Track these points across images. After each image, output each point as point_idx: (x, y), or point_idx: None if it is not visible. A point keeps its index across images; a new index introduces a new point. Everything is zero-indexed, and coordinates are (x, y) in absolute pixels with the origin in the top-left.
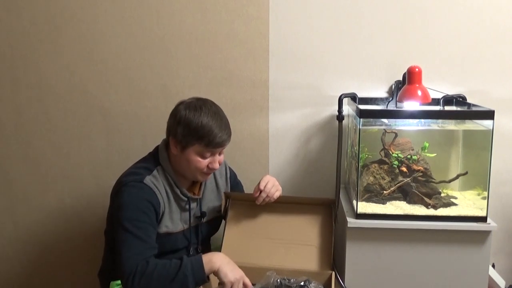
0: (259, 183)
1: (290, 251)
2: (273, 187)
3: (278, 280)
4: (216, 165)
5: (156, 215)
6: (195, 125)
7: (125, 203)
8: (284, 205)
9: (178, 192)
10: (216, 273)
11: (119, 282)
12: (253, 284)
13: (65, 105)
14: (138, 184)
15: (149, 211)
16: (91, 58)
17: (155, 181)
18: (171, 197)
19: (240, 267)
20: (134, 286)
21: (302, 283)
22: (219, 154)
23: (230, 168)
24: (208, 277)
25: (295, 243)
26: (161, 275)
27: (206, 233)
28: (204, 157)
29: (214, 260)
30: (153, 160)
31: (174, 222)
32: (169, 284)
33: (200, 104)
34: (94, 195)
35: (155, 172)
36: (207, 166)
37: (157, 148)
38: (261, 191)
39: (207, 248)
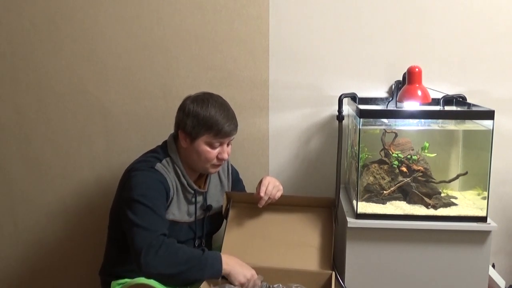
0: (260, 187)
1: (291, 252)
2: (273, 188)
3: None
4: (225, 155)
5: (167, 198)
6: (203, 116)
7: (137, 183)
8: (285, 206)
9: (186, 184)
10: (227, 276)
11: (120, 282)
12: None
13: (65, 105)
14: (149, 169)
15: (161, 192)
16: (91, 58)
17: (165, 169)
18: (179, 188)
19: None
20: (158, 255)
21: None
22: (228, 145)
23: (232, 166)
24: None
25: (295, 243)
26: (186, 253)
27: (210, 227)
28: (213, 147)
29: (228, 262)
30: (161, 151)
31: (181, 212)
32: (188, 264)
33: (207, 97)
34: (94, 195)
35: (164, 161)
36: (217, 156)
37: (165, 142)
38: (261, 197)
39: (209, 245)
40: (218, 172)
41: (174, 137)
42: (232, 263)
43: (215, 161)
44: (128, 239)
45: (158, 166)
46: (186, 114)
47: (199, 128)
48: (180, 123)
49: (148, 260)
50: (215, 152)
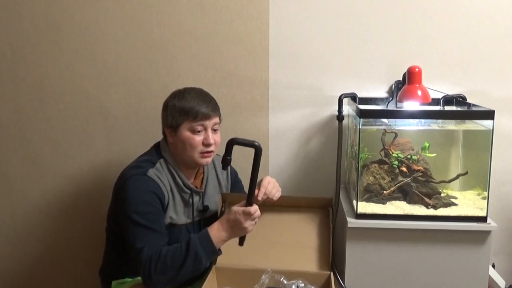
0: (260, 184)
1: (289, 253)
2: (273, 188)
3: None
4: (211, 140)
5: (162, 205)
6: (179, 105)
7: (130, 197)
8: (282, 207)
9: (181, 183)
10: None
11: (120, 281)
12: None
13: (65, 105)
14: (141, 177)
15: (155, 202)
16: (91, 58)
17: (158, 173)
18: (175, 190)
19: (239, 269)
20: (151, 274)
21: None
22: (214, 131)
23: (231, 166)
24: (219, 249)
25: (293, 244)
26: (174, 257)
27: None
28: (195, 132)
29: (219, 236)
30: (155, 153)
31: (178, 214)
32: (183, 264)
33: (183, 89)
34: (94, 194)
35: (158, 165)
36: (202, 143)
37: (158, 143)
38: (259, 191)
39: None
40: (216, 173)
41: (165, 136)
42: (223, 233)
43: (201, 147)
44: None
45: (151, 172)
46: (165, 109)
47: (177, 116)
48: (163, 120)
49: (148, 282)
50: (199, 138)
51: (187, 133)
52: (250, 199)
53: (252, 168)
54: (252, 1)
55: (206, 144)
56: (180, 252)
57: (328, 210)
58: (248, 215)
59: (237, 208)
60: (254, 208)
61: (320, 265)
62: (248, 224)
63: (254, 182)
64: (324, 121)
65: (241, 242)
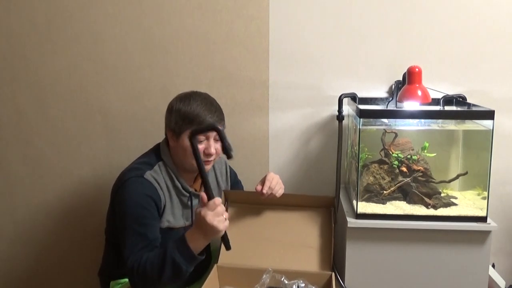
0: (265, 179)
1: (290, 252)
2: (277, 184)
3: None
4: (212, 150)
5: (157, 209)
6: (185, 111)
7: (126, 200)
8: (284, 206)
9: (180, 187)
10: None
11: (119, 281)
12: None
13: (65, 105)
14: (138, 179)
15: (150, 206)
16: (91, 58)
17: (156, 175)
18: (173, 192)
19: (240, 268)
20: (134, 279)
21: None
22: (216, 141)
23: (230, 167)
24: (202, 252)
25: (294, 244)
26: (153, 263)
27: None
28: (198, 142)
29: (194, 240)
30: (154, 155)
31: (175, 217)
32: (163, 271)
33: (190, 93)
34: (94, 195)
35: (156, 167)
36: (203, 152)
37: (158, 145)
38: (264, 185)
39: (207, 247)
40: (216, 175)
41: (166, 138)
42: (198, 236)
43: (202, 157)
44: None
45: (148, 174)
46: (170, 111)
47: (181, 123)
48: (166, 122)
49: (134, 286)
50: (200, 147)
51: (189, 142)
52: (208, 194)
53: (194, 153)
54: (252, 1)
55: (207, 153)
56: (158, 259)
57: (330, 210)
58: (210, 209)
59: (199, 208)
60: (213, 201)
61: (321, 265)
62: (216, 221)
63: (202, 170)
64: (324, 121)
65: (226, 247)
